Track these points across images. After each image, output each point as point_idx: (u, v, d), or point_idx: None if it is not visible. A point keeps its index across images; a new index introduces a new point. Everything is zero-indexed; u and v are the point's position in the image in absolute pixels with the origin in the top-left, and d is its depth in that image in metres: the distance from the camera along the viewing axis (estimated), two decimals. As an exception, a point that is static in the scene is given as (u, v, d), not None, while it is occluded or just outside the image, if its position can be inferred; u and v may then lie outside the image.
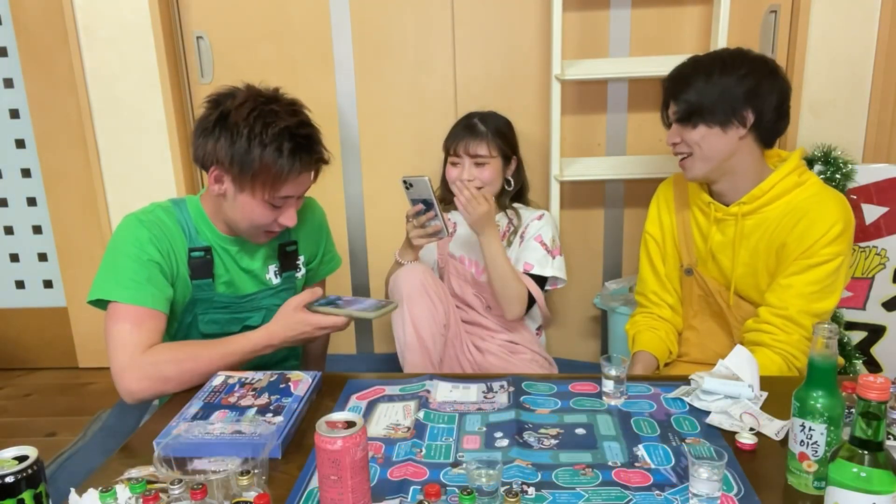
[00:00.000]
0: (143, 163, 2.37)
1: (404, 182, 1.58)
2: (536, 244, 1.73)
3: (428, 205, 1.59)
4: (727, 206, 1.46)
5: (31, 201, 2.60)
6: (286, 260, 1.50)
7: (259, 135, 1.25)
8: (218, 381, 1.23)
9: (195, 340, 1.38)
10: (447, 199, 1.81)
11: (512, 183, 1.81)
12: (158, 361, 1.24)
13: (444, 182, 1.81)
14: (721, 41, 1.95)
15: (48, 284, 2.68)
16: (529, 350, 1.76)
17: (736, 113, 1.37)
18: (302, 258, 1.54)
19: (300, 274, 1.55)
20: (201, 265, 1.37)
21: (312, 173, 1.36)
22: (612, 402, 1.18)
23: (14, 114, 2.51)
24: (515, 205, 1.83)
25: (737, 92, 1.36)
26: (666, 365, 1.60)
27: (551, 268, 1.72)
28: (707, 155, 1.41)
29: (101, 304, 1.30)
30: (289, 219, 1.35)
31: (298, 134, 1.28)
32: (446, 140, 1.78)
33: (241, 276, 1.43)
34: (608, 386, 1.18)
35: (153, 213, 1.36)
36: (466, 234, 1.77)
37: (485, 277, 1.72)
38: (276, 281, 1.48)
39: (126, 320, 1.25)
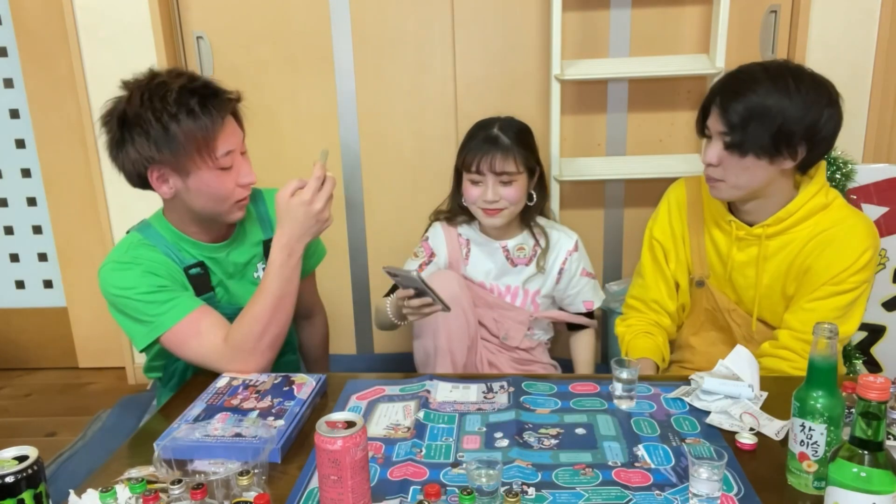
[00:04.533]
0: (143, 163, 2.37)
1: (388, 273, 1.37)
2: (586, 278, 1.64)
3: (421, 292, 1.37)
4: (749, 224, 1.39)
5: (31, 201, 2.60)
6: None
7: (163, 110, 1.20)
8: (222, 382, 1.23)
9: (251, 302, 1.30)
10: (464, 213, 1.66)
11: (535, 197, 1.62)
12: (237, 343, 1.25)
13: (456, 196, 1.64)
14: (721, 41, 1.95)
15: (48, 284, 2.68)
16: (539, 363, 1.72)
17: (791, 147, 1.28)
18: None
19: None
20: (201, 281, 1.36)
21: (235, 123, 1.31)
22: (624, 406, 1.17)
23: (14, 114, 2.51)
24: (540, 220, 1.67)
25: (797, 127, 1.25)
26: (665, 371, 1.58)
27: (602, 293, 1.68)
28: (742, 184, 1.33)
29: (152, 346, 1.30)
30: (246, 175, 1.31)
31: (195, 88, 1.24)
32: (463, 153, 1.57)
33: (233, 283, 1.42)
34: (619, 389, 1.17)
35: (129, 253, 1.30)
36: (484, 257, 1.65)
37: (502, 300, 1.65)
38: None
39: (186, 339, 1.26)
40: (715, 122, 1.33)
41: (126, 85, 1.26)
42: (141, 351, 1.32)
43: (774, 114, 1.25)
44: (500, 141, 1.54)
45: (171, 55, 2.26)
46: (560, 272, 1.63)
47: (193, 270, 1.35)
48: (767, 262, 1.40)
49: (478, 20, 2.21)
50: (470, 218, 1.65)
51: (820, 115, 1.27)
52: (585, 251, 1.69)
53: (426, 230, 1.73)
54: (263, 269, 1.45)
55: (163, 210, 1.39)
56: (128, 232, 1.39)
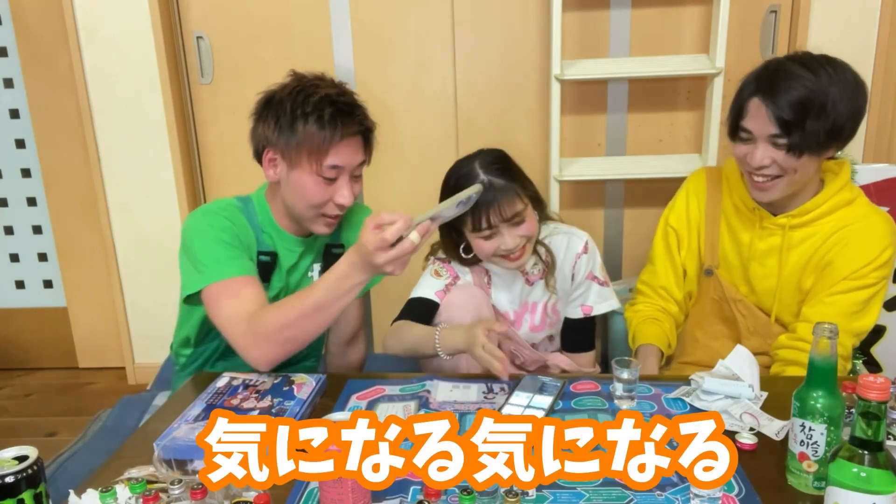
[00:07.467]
0: (143, 163, 2.37)
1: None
2: (590, 282, 1.53)
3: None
4: (773, 213, 1.40)
5: (31, 201, 2.60)
6: (330, 260, 1.44)
7: (301, 105, 1.28)
8: (222, 382, 1.23)
9: (293, 295, 1.27)
10: (467, 261, 1.50)
11: (537, 215, 1.49)
12: (259, 323, 1.22)
13: (452, 250, 1.49)
14: (721, 41, 1.95)
15: (48, 284, 2.68)
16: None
17: (840, 139, 1.30)
18: None
19: None
20: (264, 269, 1.37)
21: (360, 146, 1.36)
22: (624, 406, 1.17)
23: (14, 114, 2.51)
24: (544, 227, 1.52)
25: (846, 120, 1.26)
26: (667, 362, 1.58)
27: (612, 300, 1.54)
28: (798, 179, 1.32)
29: (196, 298, 1.30)
30: (342, 196, 1.32)
31: (339, 101, 1.31)
32: (462, 213, 1.33)
33: (291, 277, 1.43)
34: (619, 389, 1.17)
35: (226, 209, 1.36)
36: (505, 287, 1.54)
37: (523, 330, 1.55)
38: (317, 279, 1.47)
39: (223, 297, 1.26)
40: (762, 124, 1.28)
41: (293, 73, 1.37)
42: (184, 300, 1.32)
43: (829, 109, 1.23)
44: (495, 184, 1.36)
45: (171, 55, 2.26)
46: (572, 277, 1.54)
47: (263, 258, 1.38)
48: (789, 253, 1.41)
49: (478, 20, 2.21)
50: (476, 259, 1.48)
51: (862, 106, 1.29)
52: (597, 252, 1.57)
53: (430, 257, 1.58)
54: (319, 270, 1.47)
55: (265, 191, 1.43)
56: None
